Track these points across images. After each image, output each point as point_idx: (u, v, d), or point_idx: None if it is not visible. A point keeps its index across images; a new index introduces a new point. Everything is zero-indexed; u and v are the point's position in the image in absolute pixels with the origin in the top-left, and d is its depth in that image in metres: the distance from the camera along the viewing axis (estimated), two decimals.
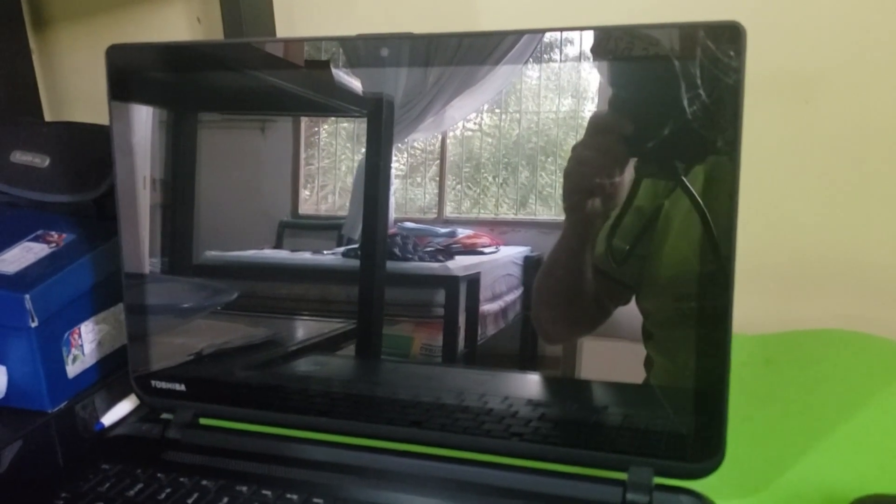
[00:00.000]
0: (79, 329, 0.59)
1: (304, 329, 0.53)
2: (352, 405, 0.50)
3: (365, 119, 0.49)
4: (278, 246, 0.52)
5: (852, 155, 0.68)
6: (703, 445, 0.43)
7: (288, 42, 0.51)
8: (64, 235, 0.61)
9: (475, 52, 0.45)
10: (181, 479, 0.47)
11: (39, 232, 0.61)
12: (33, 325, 0.55)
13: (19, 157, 0.65)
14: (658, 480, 0.44)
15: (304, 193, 0.51)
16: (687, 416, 0.44)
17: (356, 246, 0.50)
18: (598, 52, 0.43)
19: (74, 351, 0.59)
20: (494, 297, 0.48)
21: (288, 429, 0.52)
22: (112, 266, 0.58)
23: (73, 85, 0.93)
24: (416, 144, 0.48)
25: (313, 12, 0.80)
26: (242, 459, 0.49)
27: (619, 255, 0.44)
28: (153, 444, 0.52)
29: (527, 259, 0.47)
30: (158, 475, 0.47)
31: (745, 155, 0.41)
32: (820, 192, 0.69)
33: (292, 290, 0.53)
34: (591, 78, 0.44)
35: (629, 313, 0.45)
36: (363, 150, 0.49)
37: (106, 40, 0.52)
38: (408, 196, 0.48)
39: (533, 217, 0.46)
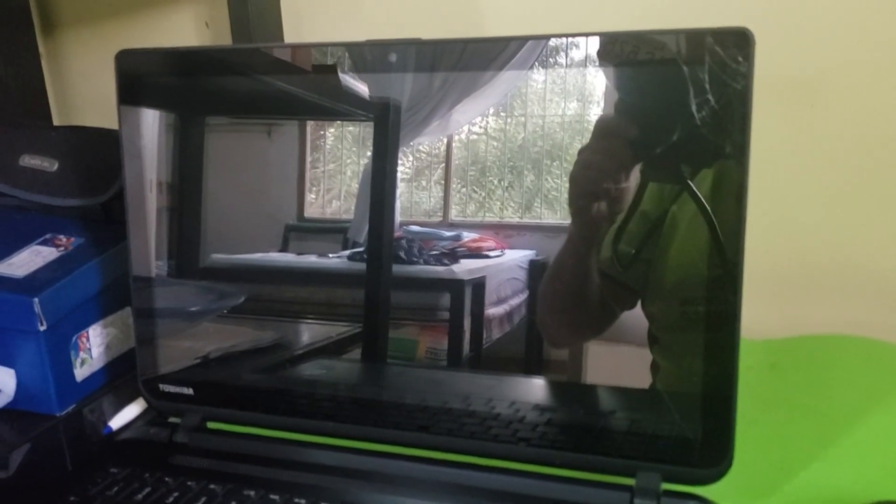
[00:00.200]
0: (87, 332, 0.59)
1: (310, 332, 0.53)
2: (358, 409, 0.50)
3: (371, 123, 0.49)
4: (284, 249, 0.52)
5: (858, 159, 0.67)
6: (711, 451, 0.43)
7: (295, 48, 0.51)
8: (72, 239, 0.61)
9: (481, 57, 0.46)
10: (189, 483, 0.47)
11: (48, 236, 0.61)
12: (42, 328, 0.55)
13: (28, 160, 0.66)
14: (665, 486, 0.44)
15: (310, 197, 0.51)
16: (694, 421, 0.43)
17: (362, 249, 0.50)
18: (605, 56, 0.43)
19: (83, 354, 0.59)
20: (500, 301, 0.48)
21: (295, 433, 0.52)
22: (120, 270, 0.58)
23: (82, 89, 0.93)
24: (421, 148, 0.48)
25: (321, 17, 0.80)
26: (250, 463, 0.49)
27: (625, 260, 0.44)
28: (161, 448, 0.52)
29: (532, 263, 0.47)
30: (166, 479, 0.47)
31: (752, 159, 0.41)
32: (827, 197, 0.69)
33: (298, 293, 0.53)
34: (597, 82, 0.44)
35: (635, 317, 0.45)
36: (369, 153, 0.49)
37: (114, 45, 0.52)
38: (413, 199, 0.48)
39: (538, 221, 0.46)
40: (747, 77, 0.40)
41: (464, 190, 0.48)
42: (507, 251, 0.47)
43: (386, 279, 0.49)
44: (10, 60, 0.88)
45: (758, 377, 0.60)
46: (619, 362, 0.46)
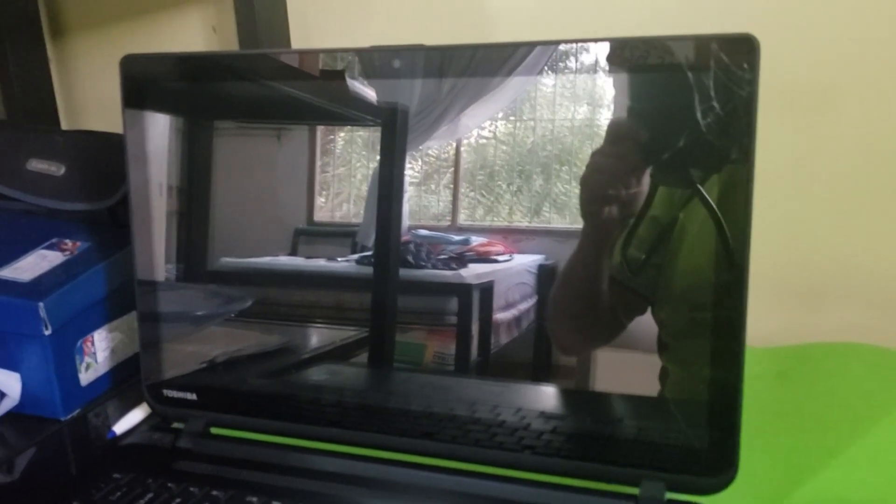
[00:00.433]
0: (92, 337, 0.59)
1: (317, 337, 0.53)
2: (363, 415, 0.50)
3: (380, 127, 0.49)
4: (293, 253, 0.52)
5: (866, 165, 0.67)
6: (716, 460, 0.43)
7: (300, 53, 0.51)
8: (78, 243, 0.61)
9: (489, 63, 0.46)
10: (191, 489, 0.47)
11: (54, 240, 0.62)
12: (47, 332, 0.55)
13: (35, 165, 0.66)
14: (670, 495, 0.44)
15: (320, 201, 0.51)
16: (700, 429, 0.43)
17: (370, 253, 0.50)
18: (614, 61, 0.43)
19: (87, 359, 0.59)
20: (508, 306, 0.48)
21: (299, 439, 0.52)
22: (126, 274, 0.58)
23: (90, 93, 0.93)
24: (430, 152, 0.48)
25: (328, 22, 0.80)
26: (253, 470, 0.49)
27: (635, 265, 0.44)
28: (164, 454, 0.52)
29: (541, 267, 0.47)
30: (169, 485, 0.47)
31: (759, 165, 0.40)
32: (834, 204, 0.69)
33: (306, 297, 0.53)
34: (607, 87, 0.43)
35: (645, 324, 0.45)
36: (378, 157, 0.49)
37: (122, 49, 0.52)
38: (422, 203, 0.48)
39: (547, 225, 0.46)
40: (753, 83, 0.40)
41: (472, 194, 0.48)
42: (515, 256, 0.47)
43: (393, 283, 0.49)
44: (19, 65, 0.88)
45: (764, 385, 0.60)
46: (627, 369, 0.46)
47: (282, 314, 0.53)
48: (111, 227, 0.64)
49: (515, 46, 0.45)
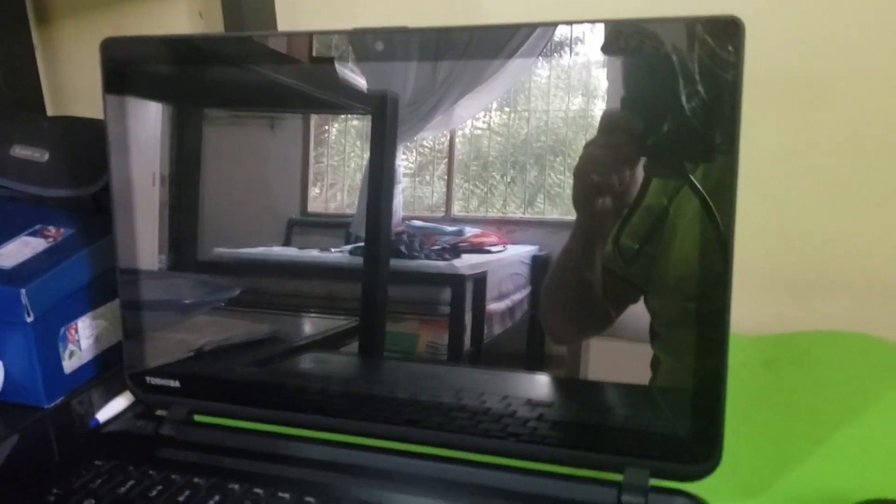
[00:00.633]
0: (76, 324, 0.59)
1: (307, 326, 0.53)
2: (349, 403, 0.50)
3: (370, 115, 0.48)
4: (287, 243, 0.51)
5: (855, 156, 0.67)
6: (700, 447, 0.43)
7: (286, 36, 0.50)
8: (62, 230, 0.61)
9: (479, 47, 0.45)
10: (173, 476, 0.46)
11: (38, 226, 0.61)
12: (29, 319, 0.55)
13: (19, 151, 0.65)
14: (654, 482, 0.44)
15: (314, 191, 0.51)
16: (685, 417, 0.43)
17: (363, 244, 0.50)
18: (602, 44, 0.43)
19: (71, 346, 0.59)
20: (501, 297, 0.48)
21: (284, 426, 0.51)
22: (110, 261, 0.58)
23: (76, 80, 0.92)
24: (424, 143, 0.48)
25: (315, 7, 0.79)
26: (236, 457, 0.49)
27: (628, 255, 0.44)
28: (147, 441, 0.51)
29: (534, 258, 0.46)
30: (150, 472, 0.47)
31: (749, 155, 0.40)
32: (823, 194, 0.69)
33: (298, 287, 0.52)
34: (596, 72, 0.43)
35: (637, 313, 0.45)
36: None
37: (108, 35, 0.52)
38: (416, 194, 0.48)
39: (541, 216, 0.46)
40: (738, 67, 0.39)
41: (466, 185, 0.47)
42: (509, 246, 0.47)
43: (384, 273, 0.49)
44: (4, 52, 0.87)
45: (751, 373, 0.60)
46: (619, 358, 0.46)
47: (273, 304, 0.53)
48: (95, 213, 0.63)
49: (499, 29, 0.44)
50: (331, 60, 0.48)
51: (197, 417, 0.54)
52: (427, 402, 0.48)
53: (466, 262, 0.48)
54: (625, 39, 0.42)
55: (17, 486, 0.48)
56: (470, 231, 0.48)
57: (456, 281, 0.49)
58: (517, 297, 0.48)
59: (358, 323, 0.50)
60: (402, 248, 0.49)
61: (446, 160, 0.47)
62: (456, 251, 0.48)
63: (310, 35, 0.49)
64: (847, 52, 0.65)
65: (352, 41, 0.47)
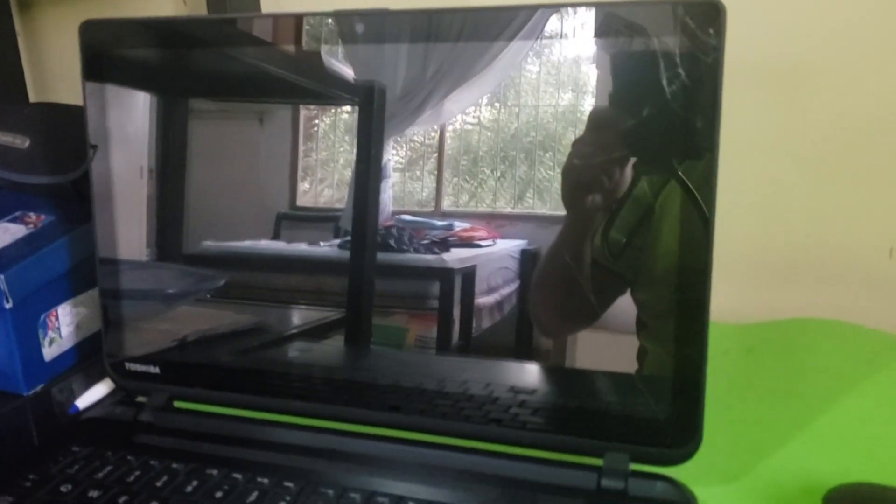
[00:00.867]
0: (56, 311, 0.59)
1: (291, 317, 0.53)
2: (332, 389, 0.50)
3: (357, 107, 0.48)
4: (276, 237, 0.51)
5: (837, 144, 0.68)
6: (680, 431, 0.43)
7: (270, 17, 0.49)
8: (42, 217, 0.60)
9: (465, 32, 0.45)
10: (151, 462, 0.46)
11: (18, 213, 0.61)
12: (8, 306, 0.54)
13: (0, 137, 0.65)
14: (635, 467, 0.44)
15: (304, 186, 0.50)
16: (664, 402, 0.44)
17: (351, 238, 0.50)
18: (597, 42, 0.43)
19: (51, 333, 0.59)
20: (490, 290, 0.48)
21: (265, 412, 0.51)
22: (90, 249, 0.57)
23: (58, 67, 0.92)
24: (414, 137, 0.48)
25: None
26: (215, 443, 0.49)
27: (616, 248, 0.44)
28: (126, 427, 0.51)
29: (523, 252, 0.47)
30: (129, 458, 0.47)
31: (732, 144, 0.40)
32: (804, 183, 0.69)
33: (285, 280, 0.52)
34: (588, 68, 0.43)
35: (624, 305, 0.45)
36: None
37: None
38: (406, 189, 0.48)
39: (530, 211, 0.46)
40: (718, 50, 0.39)
41: (456, 180, 0.47)
42: (498, 241, 0.47)
43: (370, 264, 0.49)
44: None
45: (734, 361, 0.60)
46: (605, 349, 0.46)
47: (260, 297, 0.53)
48: (77, 200, 0.63)
49: (483, 11, 0.44)
50: (317, 47, 0.48)
51: (177, 404, 0.53)
52: (409, 388, 0.48)
53: (456, 256, 0.48)
54: (612, 29, 0.42)
55: None
56: (459, 225, 0.48)
57: (445, 275, 0.49)
58: (506, 291, 0.48)
59: (345, 315, 0.50)
60: (392, 242, 0.49)
61: (436, 155, 0.47)
62: (445, 245, 0.48)
63: (294, 18, 0.48)
64: (829, 38, 0.65)
65: (335, 25, 0.47)
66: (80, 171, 0.62)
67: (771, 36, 0.66)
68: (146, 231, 0.53)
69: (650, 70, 0.41)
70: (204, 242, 0.53)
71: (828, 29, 0.65)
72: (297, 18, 0.48)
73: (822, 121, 0.67)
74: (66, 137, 0.65)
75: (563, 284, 0.46)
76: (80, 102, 0.52)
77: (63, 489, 0.44)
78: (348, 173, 0.49)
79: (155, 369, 0.53)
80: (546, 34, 0.43)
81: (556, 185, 0.45)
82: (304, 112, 0.50)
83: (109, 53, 0.51)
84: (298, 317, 0.52)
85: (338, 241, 0.50)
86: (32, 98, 0.92)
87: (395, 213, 0.48)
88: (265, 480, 0.44)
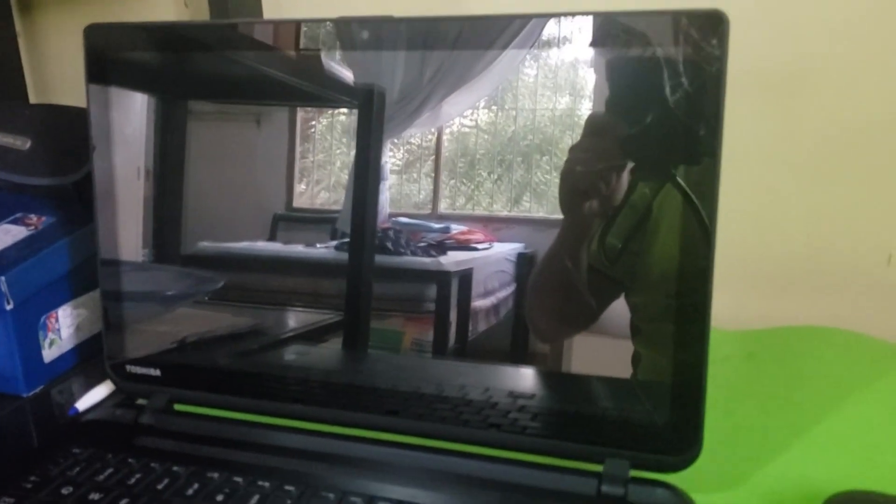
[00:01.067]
0: (56, 313, 0.59)
1: (290, 320, 0.53)
2: (331, 393, 0.50)
3: (356, 111, 0.48)
4: (272, 239, 0.51)
5: (836, 151, 0.68)
6: (680, 438, 0.43)
7: (271, 24, 0.50)
8: (43, 218, 0.60)
9: (465, 39, 0.45)
10: (152, 465, 0.46)
11: (19, 214, 0.61)
12: (9, 307, 0.54)
13: (0, 138, 0.65)
14: (635, 473, 0.44)
15: (300, 187, 0.50)
16: (664, 408, 0.43)
17: (348, 240, 0.49)
18: (594, 44, 0.43)
19: (51, 335, 0.59)
20: (486, 294, 0.48)
21: (265, 416, 0.51)
22: (91, 250, 0.57)
23: (59, 68, 0.92)
24: (412, 140, 0.48)
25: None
26: (216, 446, 0.49)
27: (613, 253, 0.44)
28: (126, 430, 0.51)
29: (520, 256, 0.47)
30: (129, 460, 0.47)
31: (729, 152, 0.40)
32: (802, 190, 0.69)
33: (282, 282, 0.52)
34: (587, 74, 0.43)
35: (618, 309, 0.45)
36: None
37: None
38: (403, 191, 0.48)
39: (527, 214, 0.46)
40: (721, 60, 0.39)
41: (453, 183, 0.47)
42: (495, 244, 0.47)
43: (368, 267, 0.49)
44: None
45: (734, 367, 0.60)
46: (600, 353, 0.46)
47: (258, 299, 0.53)
48: (77, 202, 0.63)
49: (484, 20, 0.44)
50: (317, 51, 0.48)
51: (177, 406, 0.53)
52: (408, 393, 0.48)
53: (452, 259, 0.48)
54: (611, 35, 0.42)
55: None
56: (456, 228, 0.48)
57: (442, 278, 0.49)
58: (502, 294, 0.48)
59: (342, 318, 0.50)
60: (389, 245, 0.49)
61: (433, 157, 0.47)
62: (442, 248, 0.48)
63: (295, 24, 0.48)
64: (827, 44, 0.66)
65: (337, 30, 0.47)
66: (82, 173, 0.62)
67: (767, 44, 0.66)
68: (145, 232, 0.53)
69: (652, 77, 0.41)
70: (200, 243, 0.53)
71: (825, 37, 0.66)
72: (298, 24, 0.48)
73: (818, 129, 0.67)
74: (68, 139, 0.65)
75: (559, 289, 0.46)
76: (80, 104, 0.52)
77: (64, 491, 0.44)
78: (344, 175, 0.49)
79: (155, 372, 0.53)
80: (545, 40, 0.43)
81: (553, 189, 0.45)
82: (301, 113, 0.50)
83: (113, 57, 0.51)
84: (296, 319, 0.53)
85: (334, 243, 0.50)
86: (33, 99, 0.92)
87: (391, 215, 0.48)
88: (266, 484, 0.44)
